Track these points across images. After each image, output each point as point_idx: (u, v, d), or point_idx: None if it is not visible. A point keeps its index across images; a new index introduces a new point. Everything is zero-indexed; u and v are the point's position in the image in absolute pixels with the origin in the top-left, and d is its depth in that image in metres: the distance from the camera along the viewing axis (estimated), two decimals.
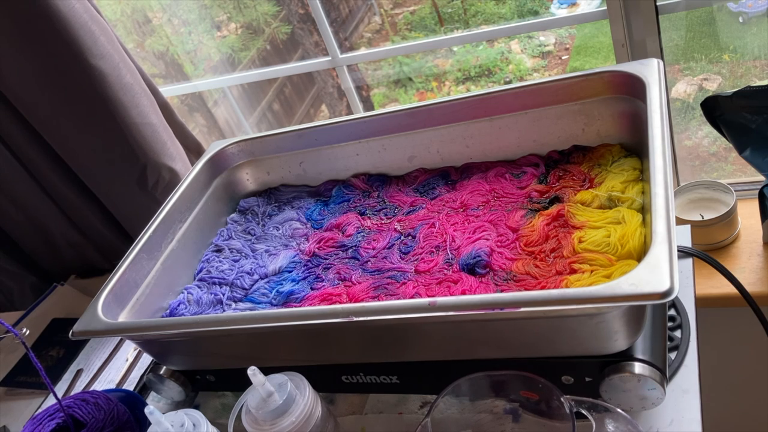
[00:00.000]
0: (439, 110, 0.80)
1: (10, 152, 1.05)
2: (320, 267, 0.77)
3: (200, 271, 0.83)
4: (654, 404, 0.58)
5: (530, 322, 0.56)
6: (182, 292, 0.81)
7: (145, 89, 1.01)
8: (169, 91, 1.53)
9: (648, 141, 0.60)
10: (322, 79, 1.88)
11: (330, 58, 1.30)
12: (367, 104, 1.81)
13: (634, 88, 0.69)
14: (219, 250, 0.86)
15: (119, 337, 0.97)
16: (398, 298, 0.68)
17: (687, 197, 1.07)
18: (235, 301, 0.78)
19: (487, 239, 0.70)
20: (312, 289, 0.74)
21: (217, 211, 0.91)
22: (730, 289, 0.75)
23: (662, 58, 1.00)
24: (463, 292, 0.65)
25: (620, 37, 1.01)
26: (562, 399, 0.55)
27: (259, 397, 0.61)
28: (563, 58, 1.89)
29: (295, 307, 0.72)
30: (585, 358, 0.58)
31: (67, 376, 0.97)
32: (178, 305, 0.78)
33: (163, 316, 0.78)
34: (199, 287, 0.81)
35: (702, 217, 1.02)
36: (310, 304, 0.72)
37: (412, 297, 0.67)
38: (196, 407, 0.81)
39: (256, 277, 0.79)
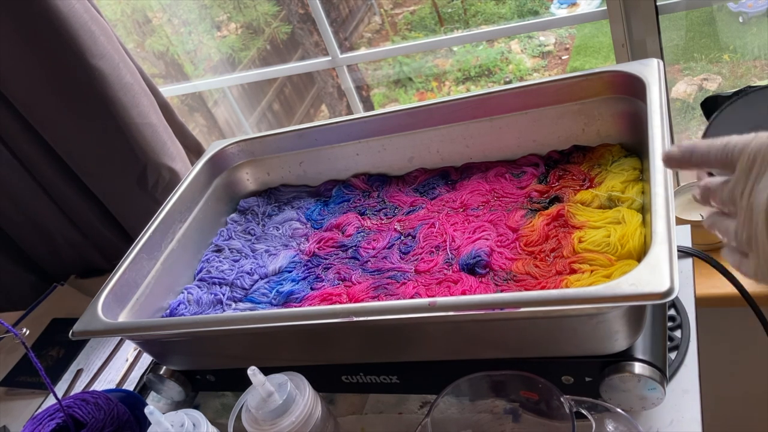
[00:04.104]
0: (439, 110, 0.80)
1: (10, 152, 1.05)
2: (320, 267, 0.77)
3: (200, 271, 0.83)
4: (654, 404, 0.58)
5: (530, 322, 0.56)
6: (182, 292, 0.81)
7: (145, 89, 1.01)
8: (169, 91, 1.53)
9: (648, 141, 0.60)
10: (322, 79, 1.88)
11: (330, 58, 1.30)
12: (367, 104, 1.82)
13: (634, 88, 0.69)
14: (219, 250, 0.86)
15: (119, 337, 0.97)
16: (398, 298, 0.68)
17: (687, 197, 1.07)
18: (235, 301, 0.78)
19: (487, 239, 0.70)
20: (312, 289, 0.74)
21: (217, 211, 0.91)
22: (730, 289, 0.75)
23: (662, 58, 1.00)
24: (463, 292, 0.65)
25: (620, 37, 1.01)
26: (562, 399, 0.55)
27: (259, 397, 0.61)
28: (563, 58, 1.89)
29: (295, 307, 0.72)
30: (585, 358, 0.58)
31: (67, 376, 0.97)
32: (178, 305, 0.78)
33: (163, 316, 0.78)
34: (199, 287, 0.81)
35: (702, 217, 1.02)
36: (310, 304, 0.72)
37: (412, 297, 0.67)
38: (196, 407, 0.81)
39: (256, 277, 0.79)
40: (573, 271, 0.62)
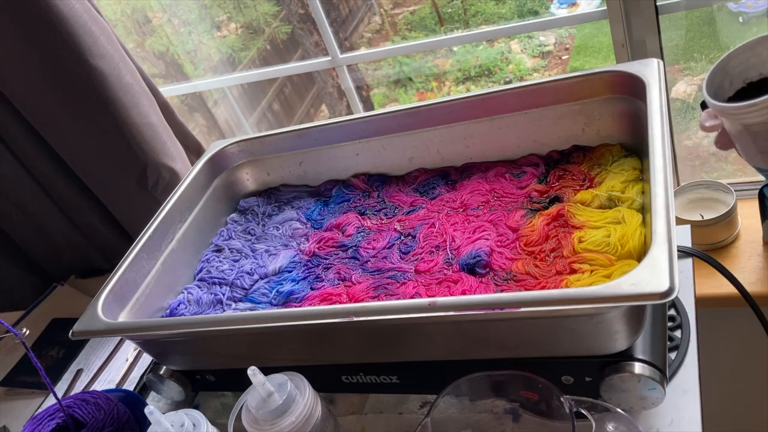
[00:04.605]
0: (439, 110, 0.80)
1: (11, 152, 1.05)
2: (320, 267, 0.77)
3: (200, 271, 0.83)
4: (654, 404, 0.58)
5: (530, 322, 0.56)
6: (182, 292, 0.81)
7: (145, 89, 1.01)
8: (169, 91, 1.53)
9: (648, 141, 0.60)
10: (322, 79, 1.88)
11: (330, 58, 1.30)
12: (367, 104, 1.81)
13: (634, 88, 0.69)
14: (219, 250, 0.86)
15: (119, 337, 0.97)
16: (398, 298, 0.68)
17: (687, 197, 1.07)
18: (235, 301, 0.78)
19: (487, 239, 0.70)
20: (312, 289, 0.74)
21: (217, 211, 0.91)
22: (730, 289, 0.75)
23: (662, 58, 1.00)
24: (463, 292, 0.65)
25: (620, 37, 1.01)
26: (562, 399, 0.55)
27: (259, 397, 0.61)
28: (563, 58, 1.89)
29: (295, 307, 0.72)
30: (585, 358, 0.58)
31: (67, 376, 0.97)
32: (178, 305, 0.78)
33: (163, 316, 0.78)
34: (199, 287, 0.81)
35: (702, 217, 1.02)
36: (310, 304, 0.72)
37: (412, 297, 0.67)
38: (196, 407, 0.81)
39: (256, 277, 0.79)
40: (573, 271, 0.62)
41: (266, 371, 0.62)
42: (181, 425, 0.63)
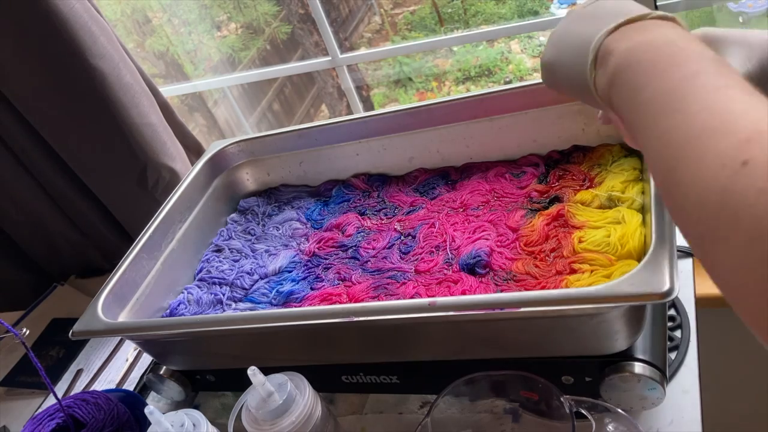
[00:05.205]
0: (439, 110, 0.80)
1: (10, 152, 1.05)
2: (320, 267, 0.77)
3: (200, 271, 0.83)
4: (654, 404, 0.58)
5: (530, 322, 0.56)
6: (182, 292, 0.81)
7: (145, 89, 1.01)
8: (169, 91, 1.53)
9: None
10: (322, 79, 1.88)
11: (330, 58, 1.30)
12: (367, 104, 1.82)
13: None
14: (219, 250, 0.86)
15: (119, 337, 0.97)
16: (398, 298, 0.68)
17: None
18: (235, 301, 0.78)
19: (487, 239, 0.70)
20: (312, 289, 0.74)
21: (217, 211, 0.91)
22: None
23: None
24: (463, 292, 0.65)
25: None
26: (562, 399, 0.55)
27: (259, 397, 0.61)
28: None
29: (295, 307, 0.72)
30: (585, 358, 0.58)
31: (67, 376, 0.97)
32: (178, 305, 0.78)
33: (163, 316, 0.78)
34: (199, 287, 0.81)
35: None
36: (310, 304, 0.72)
37: (412, 297, 0.67)
38: (196, 407, 0.81)
39: (256, 277, 0.79)
40: (573, 271, 0.62)
41: (266, 371, 0.62)
42: (181, 425, 0.63)
